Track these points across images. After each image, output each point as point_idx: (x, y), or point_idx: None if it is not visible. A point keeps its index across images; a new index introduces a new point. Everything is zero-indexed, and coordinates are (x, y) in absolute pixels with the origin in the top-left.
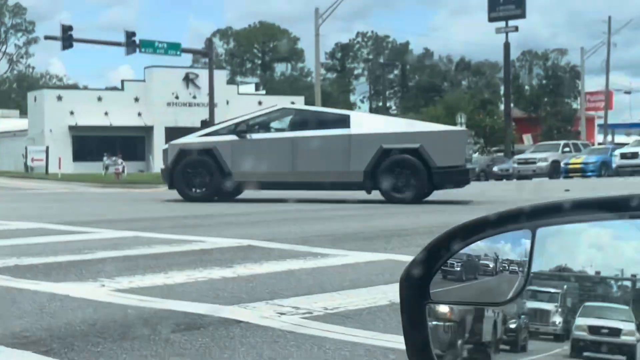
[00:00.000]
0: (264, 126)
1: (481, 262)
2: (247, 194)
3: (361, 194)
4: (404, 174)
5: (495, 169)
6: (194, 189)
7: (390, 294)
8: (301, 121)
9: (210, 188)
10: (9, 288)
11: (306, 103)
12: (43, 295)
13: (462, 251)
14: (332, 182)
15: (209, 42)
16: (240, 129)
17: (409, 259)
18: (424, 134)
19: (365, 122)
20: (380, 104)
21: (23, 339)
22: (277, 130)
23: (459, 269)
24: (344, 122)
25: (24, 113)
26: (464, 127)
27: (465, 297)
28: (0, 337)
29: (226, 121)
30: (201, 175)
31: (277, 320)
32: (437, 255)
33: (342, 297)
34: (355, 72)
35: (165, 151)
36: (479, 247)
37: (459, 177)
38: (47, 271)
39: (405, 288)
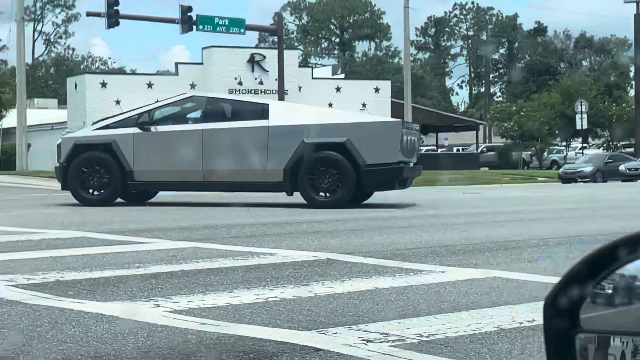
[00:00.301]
0: (171, 117)
1: (637, 283)
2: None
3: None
4: (329, 173)
5: (622, 167)
6: (90, 191)
7: (497, 318)
8: (214, 112)
9: (109, 189)
10: (49, 308)
11: (393, 88)
12: (88, 316)
13: (617, 271)
14: (247, 182)
15: (278, 17)
16: (143, 120)
17: (518, 276)
18: (352, 126)
19: (286, 112)
20: (483, 89)
21: None
22: (186, 121)
23: (610, 291)
24: (262, 112)
25: (62, 102)
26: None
27: (620, 326)
28: None
29: (130, 111)
30: (99, 175)
31: (362, 349)
32: (589, 274)
33: (439, 321)
34: (452, 51)
35: (59, 146)
36: (636, 267)
37: (393, 176)
38: (92, 288)
39: (550, 314)
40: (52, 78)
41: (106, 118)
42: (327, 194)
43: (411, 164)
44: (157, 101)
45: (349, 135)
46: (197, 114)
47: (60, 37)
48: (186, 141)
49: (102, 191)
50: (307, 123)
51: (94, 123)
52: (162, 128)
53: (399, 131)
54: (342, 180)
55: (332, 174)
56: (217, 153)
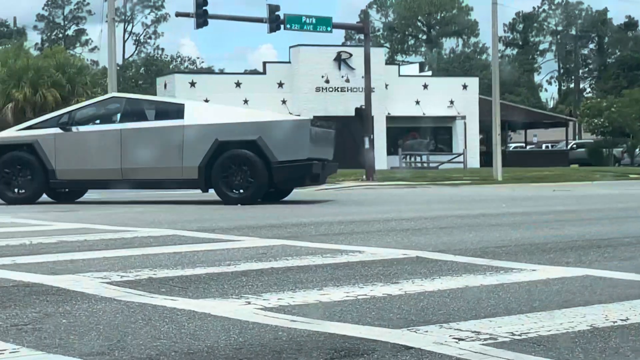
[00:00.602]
0: (92, 118)
1: None
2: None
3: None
4: (242, 170)
5: None
6: (15, 190)
7: (590, 317)
8: (132, 112)
9: (31, 189)
10: (142, 305)
11: (481, 85)
12: (181, 313)
13: None
14: (164, 179)
15: (365, 14)
16: (63, 120)
17: (611, 274)
18: (263, 125)
19: (200, 112)
20: (572, 85)
21: None
22: (106, 121)
23: None
24: (178, 112)
25: None
26: None
27: None
28: None
29: (55, 112)
30: (22, 174)
31: (454, 347)
32: None
33: (531, 320)
34: (541, 47)
35: None
36: None
37: (302, 172)
38: (184, 285)
39: None
40: (142, 78)
41: (34, 119)
42: (240, 191)
43: (326, 162)
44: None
45: (260, 133)
46: (116, 114)
47: (150, 38)
48: (105, 141)
49: (23, 190)
50: (220, 122)
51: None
52: (82, 128)
53: (307, 129)
54: (254, 176)
55: (245, 170)
56: (134, 152)
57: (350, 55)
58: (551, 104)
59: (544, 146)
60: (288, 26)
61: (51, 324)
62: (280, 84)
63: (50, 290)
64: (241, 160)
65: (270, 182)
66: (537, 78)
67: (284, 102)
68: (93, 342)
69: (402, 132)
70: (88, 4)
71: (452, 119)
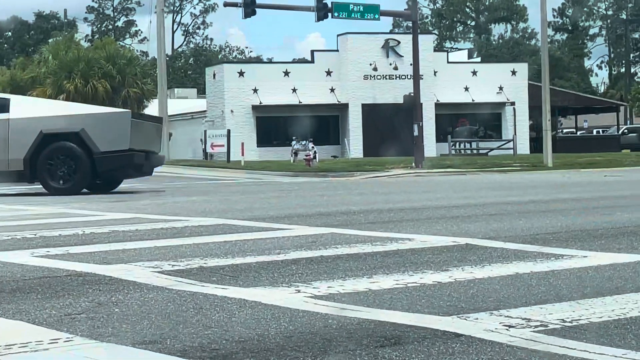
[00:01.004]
0: None
1: None
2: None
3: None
4: (65, 162)
5: None
6: None
7: None
8: None
9: None
10: (193, 293)
11: (530, 70)
12: (232, 301)
13: None
14: None
15: (412, 1)
16: None
17: None
18: (86, 117)
19: (26, 106)
20: (623, 69)
21: (212, 353)
22: None
23: None
24: (3, 106)
25: (202, 92)
26: None
27: None
28: (186, 350)
29: None
30: None
31: (504, 334)
32: None
33: (582, 307)
34: (591, 31)
35: None
36: None
37: (124, 163)
38: (234, 274)
39: None
40: (191, 68)
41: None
42: (64, 182)
43: (151, 153)
44: None
45: (83, 125)
46: None
47: (199, 28)
48: None
49: None
50: (45, 115)
51: None
52: None
53: (128, 121)
54: (77, 167)
55: (68, 162)
56: None
57: (398, 42)
58: (602, 88)
59: (594, 131)
60: (336, 14)
61: (104, 313)
62: (329, 72)
63: (102, 280)
64: (65, 151)
65: (94, 173)
66: (587, 63)
67: (332, 90)
68: (145, 330)
69: (451, 119)
70: None
71: (502, 105)
